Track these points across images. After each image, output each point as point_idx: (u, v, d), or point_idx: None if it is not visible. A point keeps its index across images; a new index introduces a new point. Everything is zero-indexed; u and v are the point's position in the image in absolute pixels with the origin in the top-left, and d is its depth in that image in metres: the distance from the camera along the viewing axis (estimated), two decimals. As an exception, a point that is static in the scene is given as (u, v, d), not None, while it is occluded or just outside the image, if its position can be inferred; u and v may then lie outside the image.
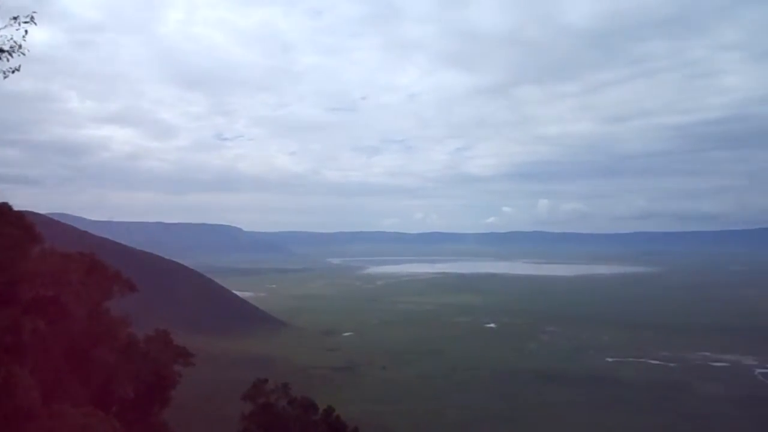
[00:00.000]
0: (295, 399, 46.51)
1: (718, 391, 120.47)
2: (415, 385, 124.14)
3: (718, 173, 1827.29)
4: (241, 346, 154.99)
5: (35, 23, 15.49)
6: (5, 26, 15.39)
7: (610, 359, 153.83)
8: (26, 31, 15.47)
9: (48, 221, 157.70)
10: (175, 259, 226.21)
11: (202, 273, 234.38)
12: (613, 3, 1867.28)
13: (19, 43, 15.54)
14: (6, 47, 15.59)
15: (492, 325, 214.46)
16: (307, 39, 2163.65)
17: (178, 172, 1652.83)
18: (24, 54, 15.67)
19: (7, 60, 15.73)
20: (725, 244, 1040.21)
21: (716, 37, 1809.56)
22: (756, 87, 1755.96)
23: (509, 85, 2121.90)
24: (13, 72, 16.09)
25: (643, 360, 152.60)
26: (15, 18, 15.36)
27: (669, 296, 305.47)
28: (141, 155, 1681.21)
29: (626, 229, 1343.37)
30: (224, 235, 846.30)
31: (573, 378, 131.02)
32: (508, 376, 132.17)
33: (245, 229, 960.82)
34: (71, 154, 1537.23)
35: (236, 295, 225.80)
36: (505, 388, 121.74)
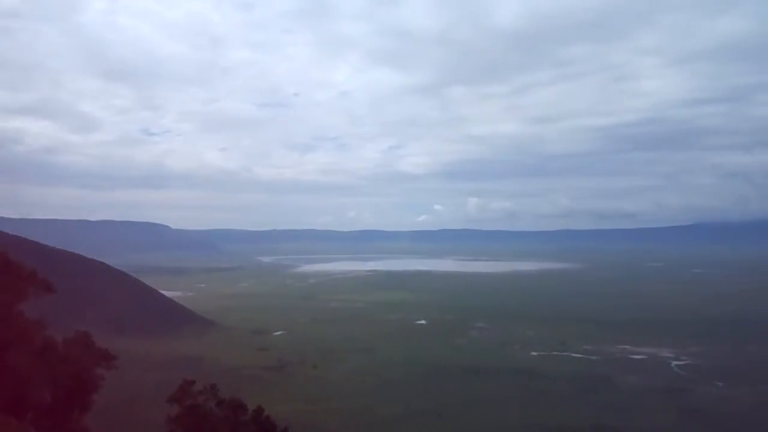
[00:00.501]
0: (223, 400, 45.61)
1: (638, 383, 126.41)
2: (346, 383, 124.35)
3: (636, 173, 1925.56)
4: (168, 347, 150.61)
5: None
6: None
7: (535, 353, 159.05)
8: None
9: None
10: (98, 258, 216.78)
11: (128, 272, 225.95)
12: (540, 7, 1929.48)
13: None
14: None
15: (422, 321, 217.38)
16: (237, 33, 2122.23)
17: (102, 167, 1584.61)
18: None
19: None
20: (643, 241, 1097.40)
21: (636, 42, 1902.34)
22: (672, 91, 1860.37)
23: (440, 85, 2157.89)
24: None
25: (566, 353, 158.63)
26: None
27: (590, 291, 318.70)
28: (60, 149, 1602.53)
29: (551, 227, 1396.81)
30: (151, 233, 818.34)
31: (500, 372, 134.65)
32: (438, 372, 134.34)
33: (173, 226, 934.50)
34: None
35: (163, 295, 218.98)
36: (434, 384, 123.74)
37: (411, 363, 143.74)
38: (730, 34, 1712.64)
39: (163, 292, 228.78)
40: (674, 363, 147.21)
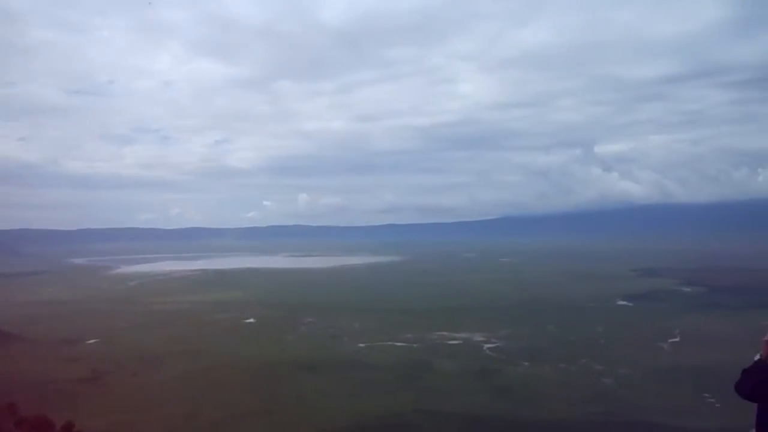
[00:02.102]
0: (25, 419, 41.95)
1: (455, 367, 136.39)
2: (169, 389, 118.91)
3: (453, 171, 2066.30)
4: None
5: None
6: None
7: (362, 344, 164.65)
8: None
9: None
10: None
11: None
12: (365, 6, 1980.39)
13: None
14: None
15: (251, 320, 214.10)
16: (41, 10, 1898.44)
17: None
18: None
19: None
20: (459, 233, 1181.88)
21: (453, 48, 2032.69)
22: (484, 95, 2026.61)
23: (268, 79, 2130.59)
24: None
25: (390, 343, 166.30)
26: None
27: (412, 282, 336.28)
28: None
29: (377, 221, 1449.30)
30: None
31: (329, 365, 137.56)
32: (267, 370, 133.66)
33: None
34: None
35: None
36: (264, 382, 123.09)
37: (240, 363, 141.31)
38: (534, 44, 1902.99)
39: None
40: (486, 346, 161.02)
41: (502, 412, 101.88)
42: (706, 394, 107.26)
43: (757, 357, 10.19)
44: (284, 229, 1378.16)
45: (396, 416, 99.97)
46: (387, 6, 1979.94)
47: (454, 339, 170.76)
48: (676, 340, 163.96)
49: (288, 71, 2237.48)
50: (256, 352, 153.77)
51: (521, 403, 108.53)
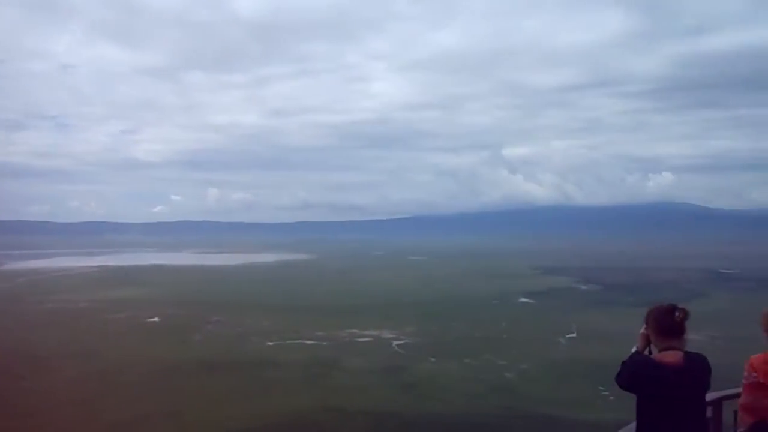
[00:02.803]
0: None
1: (363, 364, 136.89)
2: (64, 393, 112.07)
3: (365, 169, 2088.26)
4: None
5: None
6: None
7: (270, 343, 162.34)
8: None
9: None
10: None
11: None
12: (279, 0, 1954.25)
13: None
14: None
15: (155, 319, 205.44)
16: None
17: None
18: None
19: None
20: (370, 231, 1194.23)
21: (367, 46, 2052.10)
22: (397, 95, 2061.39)
23: (177, 69, 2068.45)
24: None
25: (300, 341, 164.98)
26: None
27: (323, 280, 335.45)
28: None
29: (289, 218, 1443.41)
30: None
31: (237, 365, 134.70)
32: (171, 370, 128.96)
33: None
34: None
35: None
36: (168, 383, 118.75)
37: (142, 363, 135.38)
38: (446, 47, 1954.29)
39: None
40: (395, 343, 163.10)
41: (408, 408, 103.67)
42: (601, 387, 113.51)
43: (634, 349, 10.74)
44: (193, 225, 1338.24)
45: (304, 415, 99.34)
46: (302, 0, 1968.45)
47: (364, 336, 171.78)
48: (573, 335, 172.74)
49: (199, 62, 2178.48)
50: (160, 353, 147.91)
51: (426, 398, 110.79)
